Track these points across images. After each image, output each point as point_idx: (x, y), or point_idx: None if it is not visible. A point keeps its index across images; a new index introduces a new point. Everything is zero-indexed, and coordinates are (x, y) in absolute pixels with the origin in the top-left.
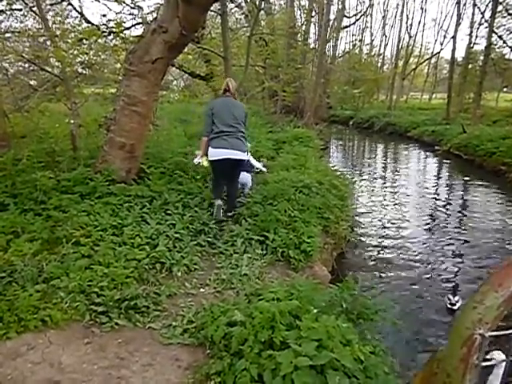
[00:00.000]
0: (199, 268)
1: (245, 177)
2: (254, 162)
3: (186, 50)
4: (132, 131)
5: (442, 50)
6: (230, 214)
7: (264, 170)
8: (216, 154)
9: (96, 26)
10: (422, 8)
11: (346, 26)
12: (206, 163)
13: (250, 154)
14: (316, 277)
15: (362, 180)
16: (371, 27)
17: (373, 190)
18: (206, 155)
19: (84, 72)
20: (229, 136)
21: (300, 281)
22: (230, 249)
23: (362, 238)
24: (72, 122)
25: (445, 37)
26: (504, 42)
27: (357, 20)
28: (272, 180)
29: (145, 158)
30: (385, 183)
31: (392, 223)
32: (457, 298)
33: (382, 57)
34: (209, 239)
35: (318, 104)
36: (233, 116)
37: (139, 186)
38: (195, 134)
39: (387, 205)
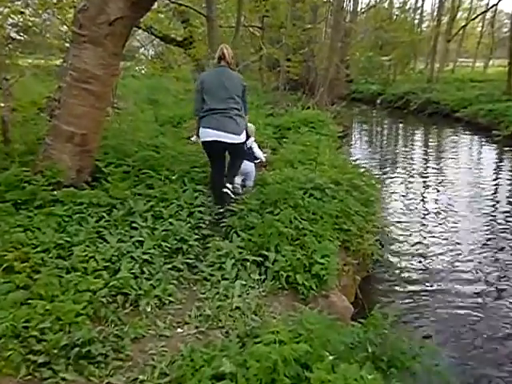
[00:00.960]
0: (175, 300)
1: (247, 166)
2: (257, 150)
3: (155, 6)
4: (83, 117)
5: (500, 0)
6: (229, 186)
7: (263, 159)
8: (205, 134)
9: None
10: None
11: None
12: None
13: (254, 140)
14: (333, 310)
15: (395, 178)
16: None
17: (409, 192)
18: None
19: (19, 37)
20: (220, 114)
21: (311, 316)
22: (217, 273)
23: (395, 257)
24: (2, 105)
25: None
26: None
27: None
28: (273, 180)
29: (102, 152)
30: (425, 182)
31: (435, 235)
32: None
33: (419, 12)
34: (188, 261)
35: (334, 77)
36: (225, 89)
37: (94, 191)
38: (170, 119)
39: (429, 211)
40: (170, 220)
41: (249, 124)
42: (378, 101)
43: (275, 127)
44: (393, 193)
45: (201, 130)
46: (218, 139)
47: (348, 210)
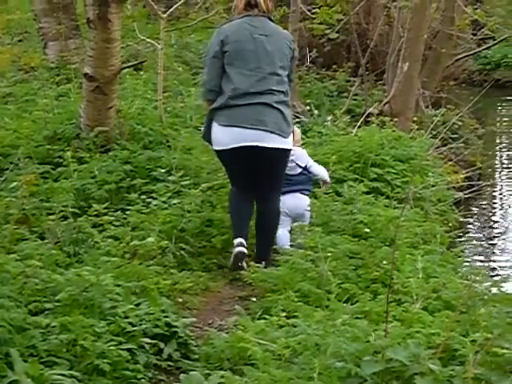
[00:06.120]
0: None
1: (300, 203)
2: (318, 168)
3: None
4: None
5: None
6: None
7: (328, 180)
8: (228, 137)
9: None
10: None
11: None
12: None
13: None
14: None
15: None
16: None
17: None
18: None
19: None
20: (255, 102)
21: None
22: None
23: None
24: None
25: None
26: None
27: None
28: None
29: None
30: None
31: None
32: None
33: None
34: None
35: (436, 30)
36: (266, 57)
37: None
38: None
39: None
40: None
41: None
42: None
43: None
44: None
45: (217, 129)
46: (253, 144)
47: None
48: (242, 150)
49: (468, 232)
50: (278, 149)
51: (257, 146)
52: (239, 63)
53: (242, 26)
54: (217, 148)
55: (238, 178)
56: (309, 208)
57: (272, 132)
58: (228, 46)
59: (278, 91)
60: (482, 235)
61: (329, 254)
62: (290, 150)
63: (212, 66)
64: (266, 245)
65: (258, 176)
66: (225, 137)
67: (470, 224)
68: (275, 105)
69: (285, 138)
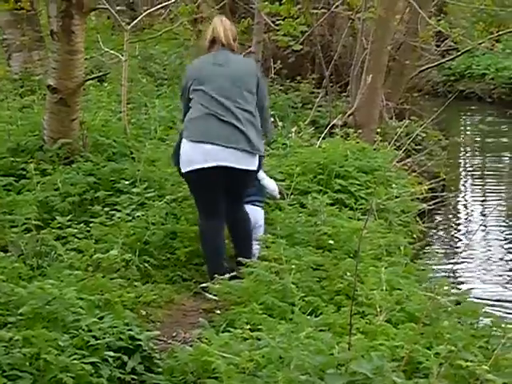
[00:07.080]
0: None
1: (256, 215)
2: (268, 181)
3: None
4: None
5: None
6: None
7: (277, 195)
8: (198, 155)
9: None
10: None
11: None
12: None
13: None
14: None
15: None
16: None
17: None
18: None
19: None
20: (227, 119)
21: None
22: None
23: None
24: None
25: None
26: None
27: None
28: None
29: None
30: None
31: None
32: None
33: None
34: None
35: (403, 44)
36: (230, 81)
37: None
38: None
39: None
40: None
41: None
42: None
43: None
44: None
45: (187, 146)
46: (224, 164)
47: None
48: (213, 171)
49: (432, 243)
50: (248, 170)
51: (227, 167)
52: (204, 87)
53: (205, 60)
54: (186, 169)
55: (208, 201)
56: (262, 221)
57: (243, 150)
58: (192, 80)
59: (246, 110)
60: (445, 246)
61: (293, 266)
62: (255, 170)
63: (183, 102)
64: (247, 248)
65: (225, 195)
66: (195, 154)
67: (433, 235)
68: (246, 121)
69: (254, 156)
